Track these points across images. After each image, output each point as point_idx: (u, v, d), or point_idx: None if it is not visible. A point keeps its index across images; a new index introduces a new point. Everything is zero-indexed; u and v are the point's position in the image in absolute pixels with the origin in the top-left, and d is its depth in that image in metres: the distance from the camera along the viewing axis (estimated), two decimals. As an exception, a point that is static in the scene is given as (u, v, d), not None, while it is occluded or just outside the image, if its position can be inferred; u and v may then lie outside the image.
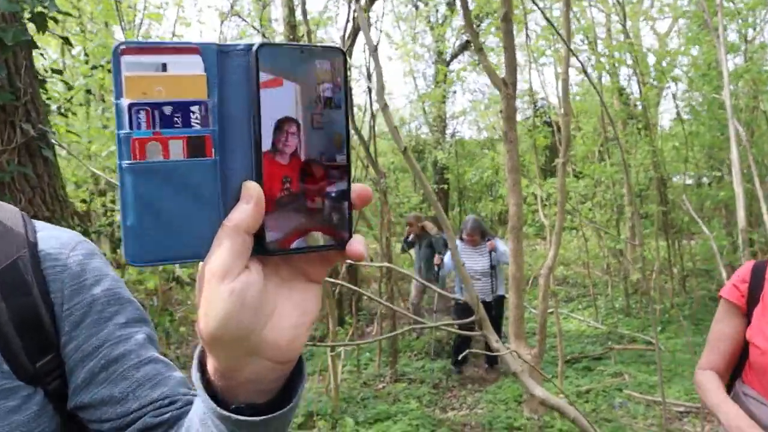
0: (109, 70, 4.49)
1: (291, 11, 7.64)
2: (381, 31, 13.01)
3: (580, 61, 3.90)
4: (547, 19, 3.91)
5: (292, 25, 7.70)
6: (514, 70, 4.64)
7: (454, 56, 15.60)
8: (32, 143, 2.18)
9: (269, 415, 0.57)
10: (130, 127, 0.51)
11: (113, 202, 6.79)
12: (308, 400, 5.18)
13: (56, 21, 2.45)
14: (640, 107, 9.04)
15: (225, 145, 0.53)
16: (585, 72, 3.93)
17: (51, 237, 0.83)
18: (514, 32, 4.96)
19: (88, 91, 4.03)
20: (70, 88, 3.80)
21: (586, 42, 8.77)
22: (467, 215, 6.64)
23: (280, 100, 0.52)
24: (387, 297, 5.98)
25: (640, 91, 8.49)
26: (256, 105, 0.51)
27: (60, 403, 0.80)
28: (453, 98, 16.67)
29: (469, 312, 5.63)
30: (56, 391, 0.80)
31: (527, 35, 7.34)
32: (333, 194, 0.54)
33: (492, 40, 10.15)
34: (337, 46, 0.55)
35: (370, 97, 7.08)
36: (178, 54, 0.52)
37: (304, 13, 6.95)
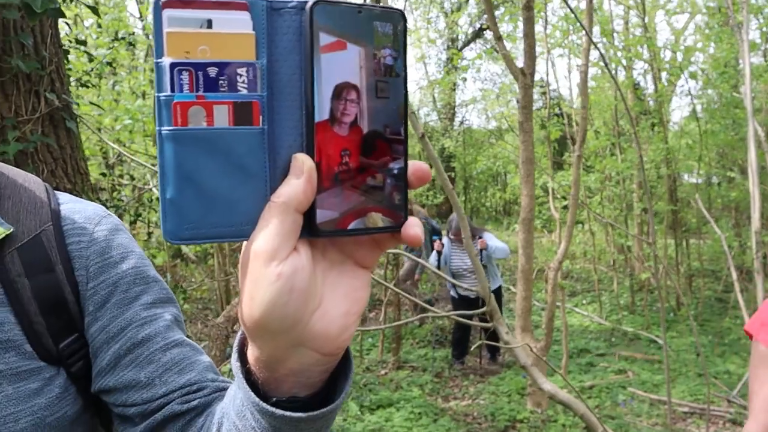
0: (130, 43, 4.44)
1: None
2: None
3: (601, 53, 3.83)
4: (571, 9, 3.83)
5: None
6: (533, 59, 4.57)
7: (467, 43, 15.48)
8: (56, 114, 2.12)
9: (314, 412, 0.53)
10: (172, 90, 0.46)
11: (121, 176, 6.75)
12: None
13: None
14: (652, 103, 8.96)
15: (274, 112, 0.49)
16: (606, 64, 3.86)
17: (75, 210, 0.79)
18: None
19: (110, 64, 3.97)
20: (91, 59, 3.74)
21: (600, 35, 8.66)
22: (451, 215, 6.38)
23: (337, 64, 0.48)
24: (393, 283, 5.95)
25: (656, 87, 8.40)
26: (309, 68, 0.47)
27: (83, 384, 0.76)
28: (463, 86, 16.58)
29: (468, 305, 5.58)
30: (80, 372, 0.76)
31: (546, 23, 7.24)
32: (394, 171, 0.50)
33: (505, 28, 10.05)
34: (398, 8, 0.50)
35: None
36: (224, 9, 0.48)
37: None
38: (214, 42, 0.47)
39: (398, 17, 0.50)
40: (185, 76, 0.46)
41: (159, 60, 0.47)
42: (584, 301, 9.05)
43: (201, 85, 0.47)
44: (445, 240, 6.30)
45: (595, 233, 8.94)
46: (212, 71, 0.47)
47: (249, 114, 0.48)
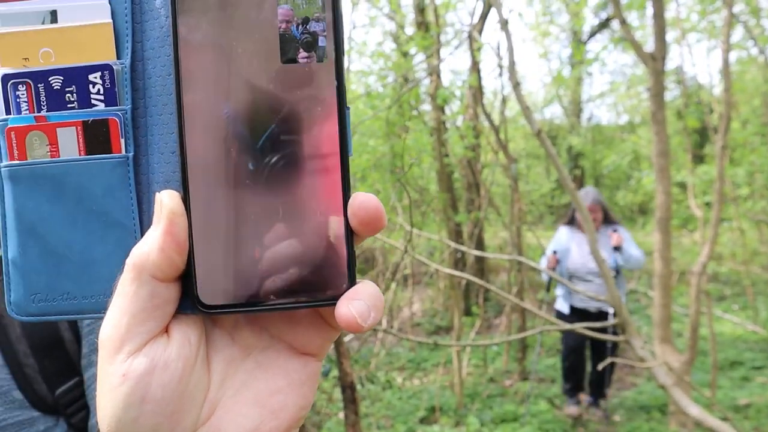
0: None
1: (420, -7, 7.45)
2: (511, 11, 12.48)
3: (749, 30, 3.36)
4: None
5: (420, 9, 7.51)
6: (664, 41, 4.15)
7: (592, 35, 14.72)
8: None
9: None
10: (7, 111, 0.35)
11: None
12: (431, 394, 5.00)
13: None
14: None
15: (147, 133, 0.35)
16: (755, 40, 3.39)
17: None
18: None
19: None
20: None
21: (747, 12, 7.85)
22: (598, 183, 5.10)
23: (221, 56, 0.34)
24: (517, 290, 5.66)
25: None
26: (176, 64, 0.33)
27: None
28: (590, 80, 15.80)
29: (584, 321, 4.38)
30: (82, 423, 0.65)
31: (678, 5, 6.65)
32: (317, 213, 0.34)
33: (633, 17, 9.41)
34: None
35: (501, 79, 6.75)
36: None
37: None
38: (60, 40, 0.35)
39: None
40: (22, 91, 0.35)
41: None
42: (735, 307, 8.20)
43: (43, 101, 0.35)
44: (563, 230, 4.63)
45: (745, 231, 8.08)
46: (56, 82, 0.35)
47: (105, 137, 0.35)
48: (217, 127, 0.34)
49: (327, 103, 0.34)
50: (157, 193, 0.34)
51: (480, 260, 6.93)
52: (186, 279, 0.34)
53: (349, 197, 0.35)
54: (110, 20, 0.35)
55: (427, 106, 7.38)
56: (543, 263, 4.64)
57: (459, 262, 6.12)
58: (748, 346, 6.50)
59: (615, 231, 4.39)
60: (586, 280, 4.53)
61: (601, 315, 4.48)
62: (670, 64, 9.17)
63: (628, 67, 15.03)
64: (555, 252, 4.48)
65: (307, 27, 0.34)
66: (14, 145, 0.34)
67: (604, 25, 13.95)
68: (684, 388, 3.93)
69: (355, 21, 9.40)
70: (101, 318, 0.34)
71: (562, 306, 4.70)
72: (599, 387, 4.79)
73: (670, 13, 6.77)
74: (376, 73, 7.54)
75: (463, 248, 3.79)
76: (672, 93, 11.87)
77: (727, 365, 5.86)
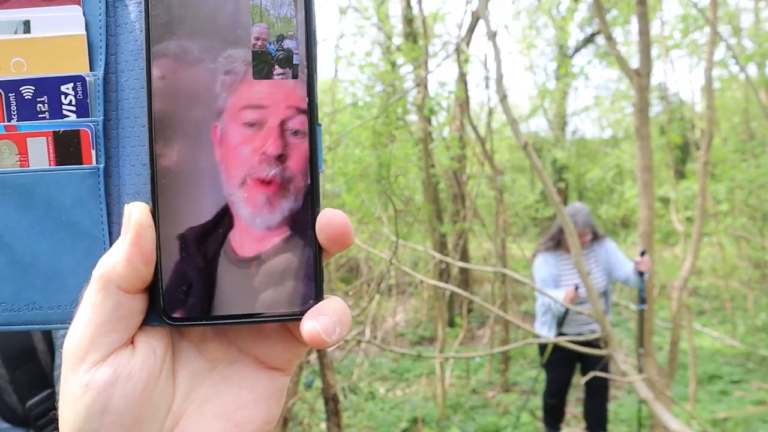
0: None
1: (408, 5, 7.49)
2: (498, 24, 12.61)
3: (731, 48, 3.43)
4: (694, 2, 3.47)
5: (408, 19, 7.55)
6: (649, 58, 4.21)
7: (577, 50, 14.88)
8: None
9: None
10: None
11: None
12: (414, 405, 4.99)
13: None
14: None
15: (119, 144, 0.35)
16: (735, 59, 3.45)
17: None
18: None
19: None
20: None
21: (729, 32, 7.99)
22: (571, 202, 4.26)
23: (195, 68, 0.34)
24: (500, 302, 5.67)
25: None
26: (147, 76, 0.33)
27: None
28: (575, 94, 15.96)
29: (568, 359, 4.07)
30: None
31: (662, 24, 6.75)
32: (286, 228, 0.35)
33: (618, 33, 9.52)
34: None
35: (488, 91, 6.79)
36: (48, 4, 0.35)
37: (421, 7, 6.76)
38: (32, 50, 0.35)
39: None
40: None
41: None
42: (714, 321, 8.29)
43: (13, 111, 0.35)
44: (549, 258, 4.13)
45: (724, 246, 8.19)
46: (27, 92, 0.35)
47: (76, 148, 0.35)
48: (187, 140, 0.34)
49: (299, 120, 0.35)
50: (126, 205, 0.34)
51: (464, 271, 6.95)
52: (153, 290, 0.34)
53: (317, 213, 0.35)
54: (84, 32, 0.35)
55: (413, 116, 7.41)
56: (549, 293, 3.84)
57: (443, 272, 6.13)
58: (726, 360, 6.56)
59: (643, 254, 3.81)
60: (580, 304, 4.02)
61: (588, 344, 3.87)
62: (653, 80, 9.29)
63: (612, 82, 15.21)
64: (577, 287, 3.86)
65: (281, 44, 0.35)
66: None
67: (589, 40, 14.11)
68: (665, 402, 3.95)
69: (344, 30, 9.42)
70: (67, 328, 0.34)
71: (548, 331, 4.21)
72: (600, 423, 4.38)
73: (654, 30, 6.87)
74: (363, 83, 7.55)
75: (448, 259, 3.80)
76: (655, 109, 12.02)
77: (705, 379, 5.91)
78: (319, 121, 0.36)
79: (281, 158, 0.35)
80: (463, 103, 6.13)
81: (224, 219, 0.34)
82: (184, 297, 0.34)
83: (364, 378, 5.79)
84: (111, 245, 0.35)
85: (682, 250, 5.86)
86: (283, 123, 0.35)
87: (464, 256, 6.78)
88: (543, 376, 5.96)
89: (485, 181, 6.76)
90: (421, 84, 5.53)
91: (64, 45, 0.35)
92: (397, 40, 8.27)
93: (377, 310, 6.63)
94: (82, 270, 0.35)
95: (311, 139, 0.35)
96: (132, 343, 0.34)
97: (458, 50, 5.65)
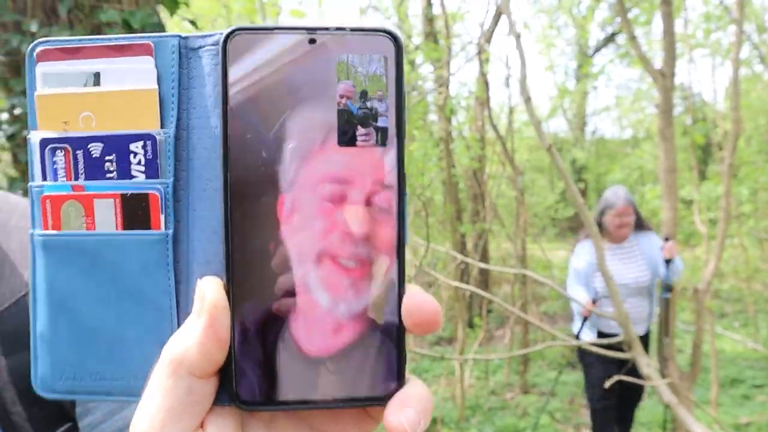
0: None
1: (429, 4, 7.49)
2: (518, 24, 12.56)
3: (756, 47, 3.38)
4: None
5: (429, 19, 7.55)
6: (673, 58, 4.17)
7: (598, 49, 14.78)
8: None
9: None
10: (44, 177, 0.33)
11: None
12: (433, 405, 5.01)
13: (187, 5, 2.40)
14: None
15: (187, 207, 0.33)
16: (762, 58, 3.41)
17: None
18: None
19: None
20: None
21: (755, 30, 7.88)
22: (609, 187, 3.90)
23: (268, 133, 0.31)
24: (521, 303, 5.66)
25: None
26: (223, 138, 0.31)
27: None
28: (595, 94, 15.85)
29: (607, 366, 3.52)
30: None
31: (686, 23, 6.68)
32: (369, 309, 0.32)
33: (639, 32, 9.44)
34: (383, 27, 0.32)
35: (508, 90, 6.76)
36: (119, 55, 0.32)
37: (443, 5, 6.75)
38: (102, 105, 0.32)
39: (383, 41, 0.32)
40: (60, 157, 0.33)
41: (29, 134, 0.33)
42: (735, 324, 8.20)
43: (80, 169, 0.33)
44: (586, 245, 3.64)
45: (747, 248, 8.09)
46: (96, 149, 0.33)
47: (144, 211, 0.33)
48: (265, 209, 0.31)
49: (385, 190, 0.32)
50: (199, 281, 0.32)
51: (484, 272, 6.94)
52: (224, 370, 0.32)
53: (404, 292, 0.32)
54: (156, 86, 0.33)
55: (433, 116, 7.40)
56: (572, 292, 3.72)
57: (463, 273, 6.13)
58: (749, 364, 6.49)
59: (667, 240, 3.58)
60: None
61: (640, 340, 3.42)
62: (676, 79, 9.22)
63: (633, 82, 15.08)
64: (594, 300, 3.58)
65: (368, 104, 0.32)
66: (49, 213, 0.33)
67: (610, 39, 14.01)
68: (687, 405, 3.92)
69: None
70: (130, 402, 0.34)
71: (587, 336, 3.75)
72: (626, 424, 4.12)
73: (677, 30, 6.81)
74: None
75: (469, 260, 3.80)
76: (677, 109, 11.89)
77: (727, 383, 5.85)
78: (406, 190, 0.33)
79: (365, 236, 0.32)
80: (484, 103, 6.12)
81: (303, 300, 0.32)
82: (258, 379, 0.32)
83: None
84: (178, 317, 0.34)
85: (705, 252, 5.80)
86: (368, 197, 0.32)
87: (484, 257, 6.77)
88: (563, 378, 5.93)
89: (505, 181, 6.74)
90: (444, 85, 5.53)
91: (135, 99, 0.33)
92: (417, 40, 8.26)
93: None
94: (147, 341, 0.34)
95: (399, 212, 0.32)
96: (202, 426, 0.32)
97: (480, 49, 5.65)
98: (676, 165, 4.44)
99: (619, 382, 3.48)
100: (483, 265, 3.72)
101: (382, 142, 0.32)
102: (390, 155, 0.32)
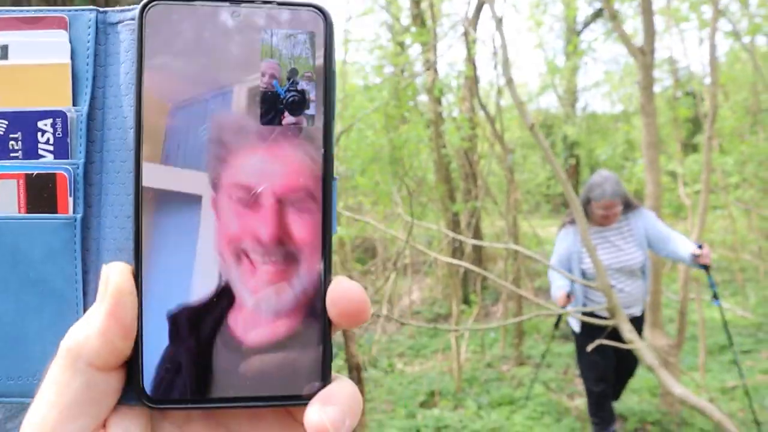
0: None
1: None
2: (506, 1, 12.59)
3: (731, 22, 3.50)
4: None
5: (416, 0, 7.61)
6: (652, 36, 4.29)
7: (587, 24, 14.82)
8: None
9: None
10: None
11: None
12: (431, 379, 5.17)
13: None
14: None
15: (102, 192, 0.31)
16: (737, 36, 3.53)
17: None
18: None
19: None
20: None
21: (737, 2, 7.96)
22: (598, 170, 3.82)
23: (193, 107, 0.30)
24: (513, 278, 5.81)
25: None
26: (137, 116, 0.29)
27: None
28: (585, 69, 15.91)
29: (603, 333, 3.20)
30: None
31: (669, -2, 6.76)
32: (291, 298, 0.30)
33: (625, 7, 9.50)
34: (312, 3, 0.31)
35: (496, 70, 6.86)
36: (29, 28, 0.31)
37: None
38: (8, 79, 0.31)
39: (313, 17, 0.30)
40: None
41: None
42: (725, 293, 8.38)
43: None
44: (569, 231, 3.64)
45: (735, 219, 8.25)
46: (0, 126, 0.31)
47: (51, 194, 0.30)
48: (180, 194, 0.29)
49: (312, 178, 0.30)
50: (104, 266, 0.29)
51: (477, 249, 7.09)
52: (130, 366, 0.29)
53: (329, 282, 0.31)
54: (69, 60, 0.31)
55: (423, 97, 7.50)
56: (553, 277, 3.70)
57: (457, 251, 6.27)
58: (737, 331, 6.67)
59: (701, 247, 3.38)
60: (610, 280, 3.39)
61: (635, 320, 3.55)
62: (662, 53, 9.29)
63: (622, 56, 15.14)
64: (569, 294, 3.53)
65: (295, 86, 0.30)
66: None
67: (598, 14, 14.04)
68: (674, 372, 4.09)
69: (351, 12, 9.48)
70: (27, 404, 0.30)
71: (574, 322, 3.74)
72: (618, 390, 4.17)
73: (661, 2, 6.89)
74: (372, 65, 7.62)
75: (462, 237, 3.94)
76: (664, 83, 11.99)
77: (716, 350, 6.03)
78: (335, 175, 0.31)
79: (288, 232, 0.30)
80: (472, 83, 6.22)
81: (221, 293, 0.30)
82: (169, 375, 0.29)
83: (383, 354, 5.97)
84: (85, 310, 0.30)
85: (691, 224, 5.96)
86: (292, 184, 0.30)
87: (477, 235, 6.91)
88: (556, 349, 6.10)
89: (496, 160, 6.87)
90: (431, 68, 5.62)
91: (45, 75, 0.31)
92: (405, 21, 8.32)
93: (393, 288, 6.79)
94: (49, 336, 0.30)
95: (325, 198, 0.30)
96: (104, 427, 0.29)
97: (466, 32, 5.74)
98: (662, 138, 4.57)
99: (615, 355, 3.60)
100: (474, 242, 3.84)
101: (309, 125, 0.30)
102: (316, 139, 0.30)
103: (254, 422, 0.32)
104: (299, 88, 0.30)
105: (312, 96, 0.30)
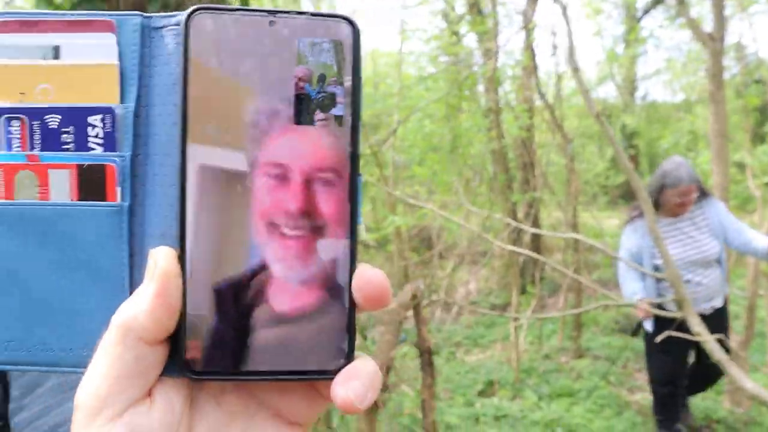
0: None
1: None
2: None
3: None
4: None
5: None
6: (722, 21, 4.16)
7: (647, 11, 14.41)
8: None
9: None
10: None
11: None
12: (489, 369, 5.18)
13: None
14: None
15: (146, 182, 0.34)
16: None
17: None
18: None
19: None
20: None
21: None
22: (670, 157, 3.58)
23: (227, 112, 0.32)
24: (573, 269, 5.76)
25: None
26: (182, 114, 0.32)
27: None
28: (645, 58, 15.52)
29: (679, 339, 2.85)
30: None
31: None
32: (320, 283, 0.33)
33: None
34: (342, 14, 0.34)
35: (555, 57, 6.77)
36: (79, 31, 0.34)
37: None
38: (60, 78, 0.34)
39: (342, 27, 0.34)
40: (15, 126, 0.34)
41: None
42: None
43: (36, 140, 0.34)
44: (638, 225, 3.40)
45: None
46: (53, 121, 0.33)
47: (100, 183, 0.33)
48: (220, 185, 0.32)
49: (339, 170, 0.33)
50: (152, 250, 0.32)
51: (535, 240, 7.03)
52: (174, 340, 0.32)
53: (354, 269, 0.34)
54: (116, 61, 0.33)
55: (480, 87, 7.46)
56: (624, 285, 3.54)
57: (515, 242, 6.25)
58: (808, 327, 6.44)
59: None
60: (685, 279, 3.21)
61: (717, 313, 3.51)
62: (730, 39, 8.96)
63: (685, 44, 14.68)
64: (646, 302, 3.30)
65: (325, 89, 0.33)
66: (1, 183, 0.33)
67: (658, 1, 13.63)
68: (742, 366, 3.99)
69: (407, 1, 9.45)
70: (78, 373, 0.32)
71: (648, 322, 3.54)
72: (699, 388, 4.00)
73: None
74: (427, 54, 7.61)
75: (523, 226, 3.92)
76: (732, 70, 11.59)
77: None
78: (359, 172, 0.34)
79: (317, 211, 0.33)
80: (531, 72, 6.16)
81: (256, 271, 0.33)
82: (209, 349, 0.32)
83: (441, 344, 6.01)
84: (131, 290, 0.33)
85: (760, 216, 5.77)
86: (321, 177, 0.33)
87: (535, 225, 6.85)
88: (616, 342, 6.02)
89: (555, 149, 6.79)
90: (492, 57, 5.59)
91: (95, 74, 0.33)
92: (460, 9, 8.26)
93: (450, 279, 6.82)
94: (99, 314, 0.33)
95: (351, 192, 0.33)
96: (150, 396, 0.32)
97: (525, 18, 5.68)
98: (729, 128, 4.43)
99: (695, 363, 3.57)
100: (534, 230, 3.83)
101: (338, 125, 0.33)
102: (344, 137, 0.33)
103: (283, 394, 0.35)
104: (329, 90, 0.33)
105: (341, 98, 0.33)
